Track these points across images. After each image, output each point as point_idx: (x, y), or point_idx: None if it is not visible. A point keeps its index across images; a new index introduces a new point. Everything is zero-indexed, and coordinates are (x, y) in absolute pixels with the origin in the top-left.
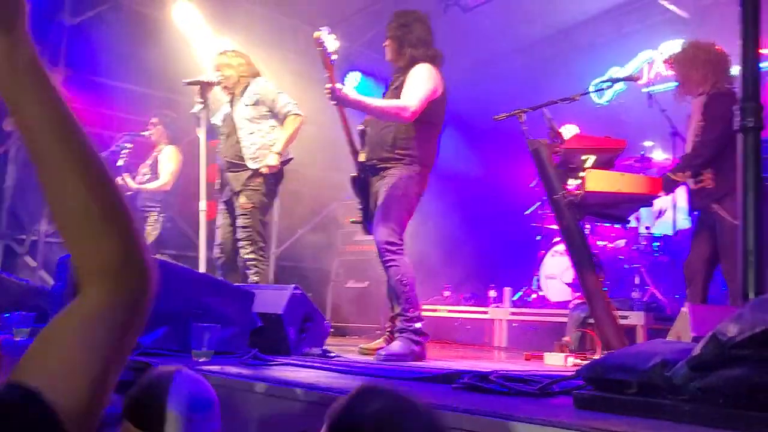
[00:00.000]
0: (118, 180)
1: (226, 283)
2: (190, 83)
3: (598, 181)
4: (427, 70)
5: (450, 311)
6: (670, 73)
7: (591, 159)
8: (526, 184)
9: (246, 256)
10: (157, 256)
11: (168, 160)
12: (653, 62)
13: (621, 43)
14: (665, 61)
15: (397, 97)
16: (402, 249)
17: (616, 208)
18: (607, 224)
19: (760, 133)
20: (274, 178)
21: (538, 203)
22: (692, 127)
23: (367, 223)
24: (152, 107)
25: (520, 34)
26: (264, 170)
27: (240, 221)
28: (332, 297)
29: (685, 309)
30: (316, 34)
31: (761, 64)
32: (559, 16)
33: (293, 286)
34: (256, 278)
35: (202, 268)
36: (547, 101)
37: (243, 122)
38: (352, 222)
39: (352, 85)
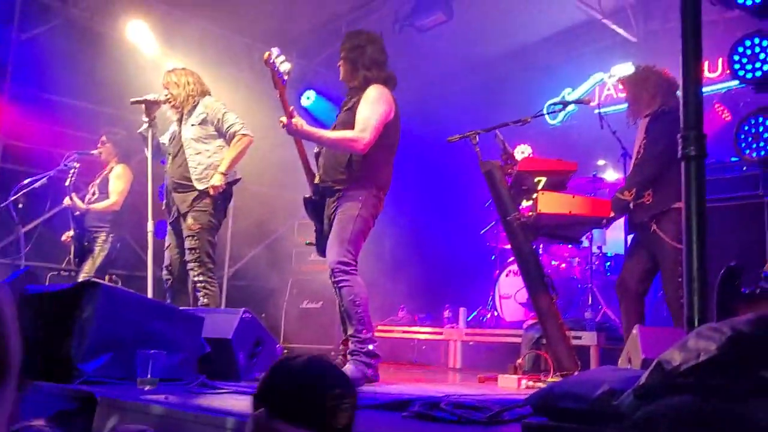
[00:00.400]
0: (66, 200)
1: (174, 308)
2: (135, 102)
3: (549, 203)
4: (380, 92)
5: (405, 332)
6: (622, 95)
7: (543, 181)
8: (480, 203)
9: (195, 279)
10: (107, 278)
11: (117, 179)
12: (604, 84)
13: (573, 65)
14: (619, 81)
15: (351, 118)
16: (355, 269)
17: (568, 229)
18: (561, 244)
19: (703, 161)
20: (221, 199)
21: (493, 223)
22: (635, 148)
23: (322, 244)
24: (102, 124)
25: (473, 55)
26: (210, 191)
27: (188, 243)
28: (286, 317)
29: (635, 331)
30: (266, 54)
31: (708, 88)
32: (513, 37)
33: (243, 309)
34: (206, 300)
35: (150, 290)
36: (500, 123)
37: (189, 142)
38: (308, 244)
39: (306, 103)
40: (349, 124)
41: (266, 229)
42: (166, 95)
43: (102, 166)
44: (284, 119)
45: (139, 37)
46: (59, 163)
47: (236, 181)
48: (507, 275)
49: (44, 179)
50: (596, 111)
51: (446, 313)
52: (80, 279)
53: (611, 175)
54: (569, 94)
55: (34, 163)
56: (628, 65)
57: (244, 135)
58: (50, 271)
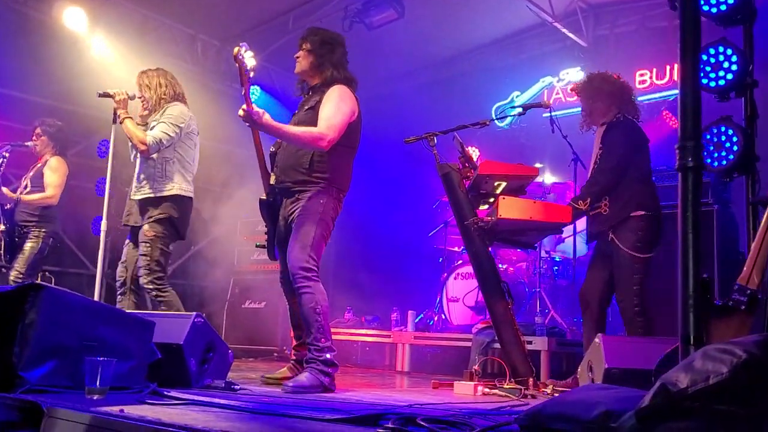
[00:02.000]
0: None
1: (123, 312)
2: (103, 95)
3: (510, 208)
4: (344, 92)
5: (351, 334)
6: (572, 99)
7: (502, 185)
8: (428, 205)
9: (144, 285)
10: (39, 275)
11: (53, 172)
12: (553, 88)
13: (521, 67)
14: (571, 89)
15: (312, 118)
16: (317, 276)
17: (525, 235)
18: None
19: (700, 172)
20: (180, 210)
21: (441, 225)
22: (593, 155)
23: (273, 247)
24: (36, 115)
25: (422, 54)
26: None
27: (141, 248)
28: (227, 318)
29: (597, 340)
30: (235, 49)
31: (657, 95)
32: (463, 38)
33: (195, 314)
34: (164, 307)
35: (98, 293)
36: (458, 125)
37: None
38: (258, 246)
39: (251, 99)
40: (311, 124)
41: (208, 226)
42: (139, 97)
43: (36, 158)
44: (244, 108)
45: (76, 24)
46: None
47: (190, 199)
48: (455, 278)
49: None
50: (546, 114)
51: (394, 316)
52: (11, 276)
53: (549, 178)
54: (517, 97)
55: None
56: (577, 69)
57: (143, 143)
58: None
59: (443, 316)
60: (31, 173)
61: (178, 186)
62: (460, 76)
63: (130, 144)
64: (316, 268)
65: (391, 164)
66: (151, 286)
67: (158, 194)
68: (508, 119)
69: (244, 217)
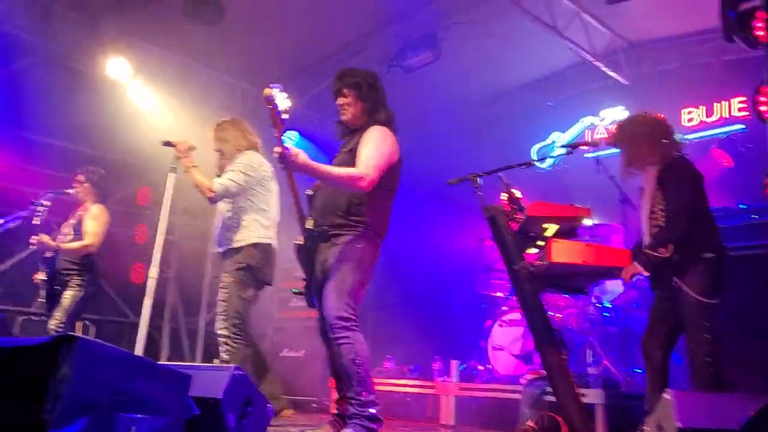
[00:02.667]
0: (34, 239)
1: (158, 365)
2: (166, 144)
3: (563, 251)
4: (385, 133)
5: (393, 384)
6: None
7: (553, 228)
8: (468, 248)
9: (218, 331)
10: (79, 324)
11: (93, 220)
12: (594, 128)
13: (561, 108)
14: (606, 143)
15: (353, 159)
16: (356, 325)
17: (578, 280)
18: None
19: None
20: (261, 259)
21: (484, 269)
22: (647, 198)
23: (311, 294)
24: (79, 164)
25: (460, 96)
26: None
27: (219, 295)
28: (273, 369)
29: (668, 396)
30: (266, 91)
31: (705, 133)
32: (501, 78)
33: (234, 366)
34: (225, 356)
35: (140, 345)
36: (504, 166)
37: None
38: (295, 293)
39: (289, 144)
40: (351, 165)
41: None
42: (216, 150)
43: (77, 206)
44: (278, 149)
45: (119, 74)
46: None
47: (262, 245)
48: (500, 325)
49: (19, 220)
50: (590, 155)
51: (436, 365)
52: (51, 324)
53: (593, 220)
54: (558, 138)
55: (8, 203)
56: (619, 108)
57: (210, 190)
58: (22, 315)
59: (488, 366)
60: (73, 221)
61: (255, 234)
62: (498, 117)
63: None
64: (354, 317)
65: (428, 207)
66: (225, 332)
67: (237, 244)
68: (550, 160)
69: (282, 263)
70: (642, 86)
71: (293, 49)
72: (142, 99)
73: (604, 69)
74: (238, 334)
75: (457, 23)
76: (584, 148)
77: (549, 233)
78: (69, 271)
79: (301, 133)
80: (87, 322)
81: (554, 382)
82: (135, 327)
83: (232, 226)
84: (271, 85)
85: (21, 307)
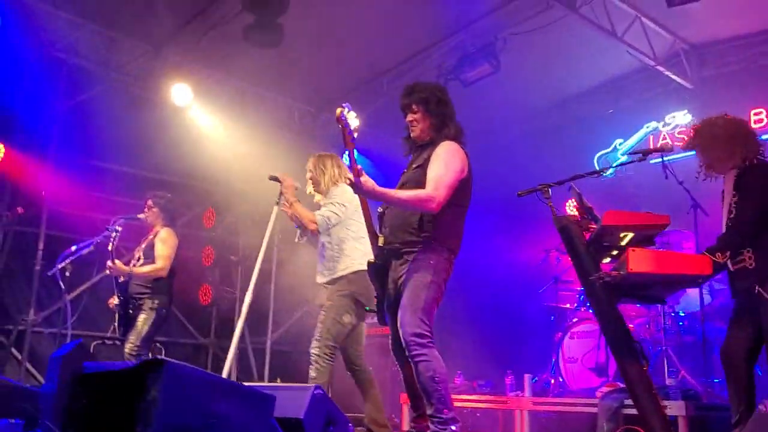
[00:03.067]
0: (109, 264)
1: (243, 387)
2: (272, 179)
3: (641, 260)
4: (454, 149)
5: (465, 400)
6: (680, 144)
7: (628, 236)
8: (533, 260)
9: (311, 350)
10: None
11: (163, 243)
12: (659, 133)
13: (623, 114)
14: (683, 147)
15: (421, 176)
16: (432, 342)
17: (656, 289)
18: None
19: None
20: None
21: (551, 281)
22: (726, 203)
23: (383, 311)
24: (146, 189)
25: (517, 106)
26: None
27: (319, 316)
28: (333, 385)
29: (764, 408)
30: (338, 110)
31: None
32: (560, 87)
33: (314, 385)
34: (313, 374)
35: (226, 369)
36: (573, 175)
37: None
38: (368, 310)
39: (346, 162)
40: (421, 183)
41: (310, 291)
42: (310, 178)
43: (148, 230)
44: (349, 177)
45: (181, 100)
46: (104, 229)
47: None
48: (571, 337)
49: (91, 246)
50: (652, 161)
51: (508, 380)
52: (126, 349)
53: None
54: (620, 144)
55: (78, 230)
56: (683, 112)
57: (313, 222)
58: (95, 340)
59: (560, 379)
60: (144, 245)
61: (357, 262)
62: (558, 127)
63: (298, 229)
64: (429, 334)
65: (491, 219)
66: (317, 352)
67: (341, 273)
68: (611, 169)
69: None
70: (706, 89)
71: (347, 67)
72: (202, 123)
73: (666, 73)
74: (328, 356)
75: (515, 34)
76: (627, 157)
77: (625, 242)
78: (141, 294)
79: (358, 150)
80: (158, 345)
81: (636, 394)
82: (202, 348)
83: (334, 255)
84: (342, 104)
85: (93, 332)
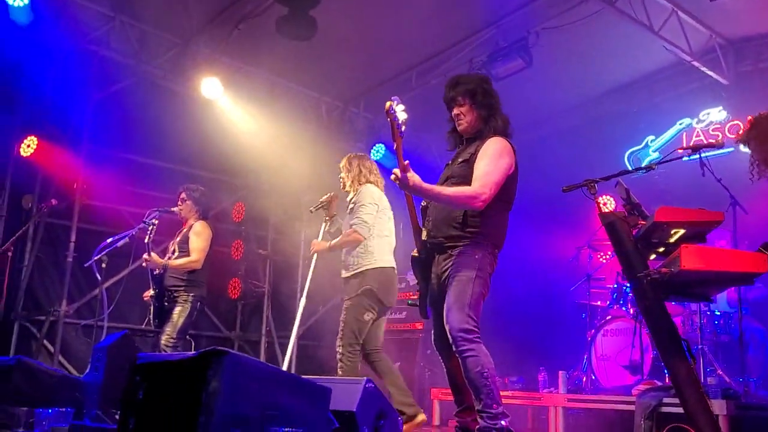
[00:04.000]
0: (145, 257)
1: (300, 379)
2: (316, 209)
3: (694, 258)
4: (503, 146)
5: None
6: (715, 139)
7: (680, 233)
8: (565, 257)
9: (337, 349)
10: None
11: (197, 237)
12: (693, 130)
13: (655, 110)
14: (736, 141)
15: (467, 172)
16: (479, 337)
17: (706, 286)
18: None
19: None
20: (377, 283)
21: (584, 278)
22: None
23: (426, 305)
24: (178, 183)
25: (549, 102)
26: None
27: (342, 316)
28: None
29: None
30: (387, 104)
31: None
32: (590, 83)
33: (365, 378)
34: (341, 372)
35: (286, 362)
36: (619, 171)
37: (342, 233)
38: (410, 304)
39: (376, 156)
40: (467, 179)
41: (335, 285)
42: (341, 177)
43: (182, 224)
44: (398, 172)
45: (211, 93)
46: (135, 223)
47: (379, 269)
48: (604, 335)
49: (126, 238)
50: (685, 158)
51: (541, 376)
52: (162, 340)
53: None
54: (652, 141)
55: (109, 222)
56: (718, 109)
57: (354, 232)
58: (130, 332)
59: (592, 377)
60: (178, 238)
61: (381, 258)
62: (590, 122)
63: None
64: (476, 329)
65: (523, 216)
66: (340, 350)
67: (363, 268)
68: (643, 164)
69: None
70: (743, 85)
71: (376, 62)
72: (232, 116)
73: (702, 68)
74: (353, 353)
75: (548, 28)
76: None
77: (675, 239)
78: (177, 287)
79: (387, 146)
80: (188, 337)
81: (684, 393)
82: (227, 342)
83: (359, 252)
84: (391, 98)
85: (123, 323)
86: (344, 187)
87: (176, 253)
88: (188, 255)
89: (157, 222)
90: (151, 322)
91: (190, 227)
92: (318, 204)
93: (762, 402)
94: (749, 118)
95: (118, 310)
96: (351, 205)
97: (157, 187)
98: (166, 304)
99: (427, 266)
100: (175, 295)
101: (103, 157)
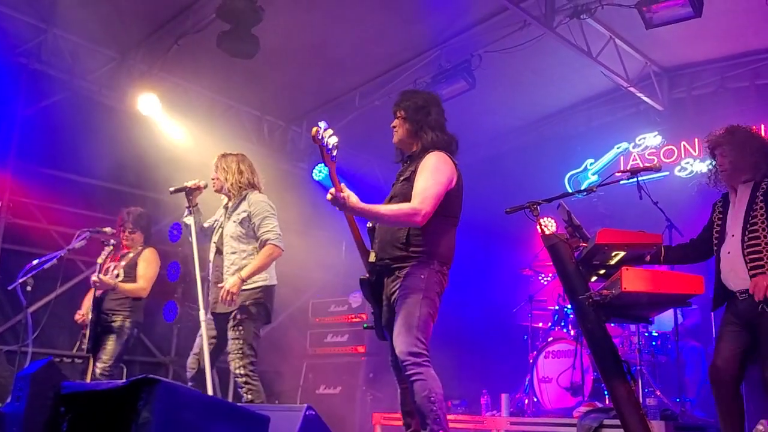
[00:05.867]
0: (94, 277)
1: (236, 407)
2: (176, 191)
3: (635, 280)
4: (440, 160)
5: None
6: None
7: (620, 255)
8: (505, 279)
9: (235, 371)
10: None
11: (148, 265)
12: (630, 154)
13: (593, 134)
14: (707, 142)
15: (408, 190)
16: (428, 360)
17: (645, 309)
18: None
19: None
20: (265, 297)
21: (525, 300)
22: (742, 217)
23: (381, 328)
24: (107, 202)
25: (489, 126)
26: (222, 294)
27: (232, 333)
28: (301, 403)
29: (761, 428)
30: (313, 129)
31: None
32: (530, 107)
33: (306, 405)
34: (249, 396)
35: (209, 384)
36: (562, 193)
37: (228, 239)
38: (366, 327)
39: (318, 177)
40: (408, 197)
41: (276, 308)
42: (213, 179)
43: (124, 246)
44: (332, 192)
45: (149, 110)
46: (64, 243)
47: (271, 287)
48: (545, 357)
49: (54, 260)
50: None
51: (483, 400)
52: (98, 369)
53: None
54: (591, 164)
55: (37, 243)
56: (654, 134)
57: (275, 246)
58: (55, 358)
59: (534, 399)
60: (123, 262)
61: (271, 274)
62: (531, 144)
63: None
64: (425, 352)
65: (464, 237)
66: (242, 371)
67: (255, 284)
68: (583, 186)
69: (316, 298)
70: (677, 111)
71: (320, 81)
72: (171, 134)
73: (638, 94)
74: (255, 372)
75: (491, 51)
76: (618, 174)
77: (615, 261)
78: (114, 311)
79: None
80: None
81: (624, 414)
82: (162, 366)
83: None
84: (318, 123)
85: (48, 349)
86: (220, 189)
87: (120, 277)
88: (134, 281)
89: (114, 243)
90: (85, 346)
91: (139, 253)
92: (180, 186)
93: (698, 422)
94: (726, 126)
95: (45, 335)
96: (242, 214)
97: (88, 206)
98: (99, 329)
99: (378, 289)
100: (112, 319)
101: (30, 174)
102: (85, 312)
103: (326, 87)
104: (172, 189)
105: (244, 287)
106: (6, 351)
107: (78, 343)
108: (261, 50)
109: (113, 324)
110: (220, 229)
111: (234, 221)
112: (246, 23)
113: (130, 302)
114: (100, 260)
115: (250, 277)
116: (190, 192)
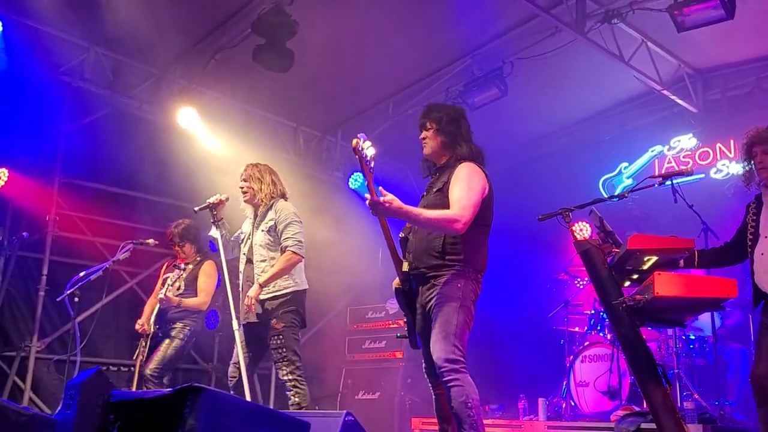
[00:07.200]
0: (161, 294)
1: (278, 413)
2: (201, 209)
3: (668, 284)
4: (473, 170)
5: None
6: (685, 167)
7: (653, 260)
8: (542, 284)
9: (284, 378)
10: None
11: (207, 278)
12: (665, 157)
13: (627, 138)
14: (748, 141)
15: (442, 200)
16: (465, 367)
17: (679, 313)
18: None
19: None
20: (298, 302)
21: (561, 305)
22: None
23: (415, 336)
24: (151, 213)
25: (522, 131)
26: (246, 303)
27: (273, 342)
28: (340, 410)
29: None
30: (354, 141)
31: None
32: (563, 112)
33: (345, 411)
34: (297, 399)
35: (247, 392)
36: (593, 199)
37: (257, 248)
38: (399, 336)
39: (354, 185)
40: (441, 207)
41: (314, 315)
42: (243, 189)
43: (180, 259)
44: (369, 197)
45: (188, 123)
46: (109, 254)
47: (302, 291)
48: (582, 361)
49: (100, 271)
50: (656, 185)
51: (521, 404)
52: (147, 370)
53: None
54: (625, 168)
55: (83, 255)
56: (688, 136)
57: (293, 254)
58: (104, 368)
59: (572, 403)
60: (185, 274)
61: (300, 279)
62: (564, 149)
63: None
64: (462, 359)
65: (500, 243)
66: (290, 377)
67: (284, 290)
68: (617, 190)
69: (353, 304)
70: (712, 113)
71: (354, 91)
72: (209, 146)
73: (672, 97)
74: (302, 376)
75: (523, 58)
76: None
77: (648, 266)
78: (176, 321)
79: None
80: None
81: (660, 418)
82: (204, 374)
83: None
84: (357, 135)
85: (98, 358)
86: (252, 199)
87: (181, 289)
88: (195, 294)
89: (127, 255)
90: (143, 356)
91: (199, 265)
92: (204, 204)
93: (737, 425)
94: (761, 126)
95: (92, 344)
96: (269, 222)
97: (131, 218)
98: (159, 335)
99: (412, 298)
100: (173, 327)
101: (75, 189)
102: (144, 321)
103: (360, 97)
104: (196, 209)
105: (273, 295)
106: (55, 360)
107: (137, 352)
108: (296, 63)
109: (172, 331)
110: (249, 239)
111: (262, 230)
112: (281, 37)
113: (191, 312)
114: (163, 277)
115: (267, 283)
116: (214, 207)
